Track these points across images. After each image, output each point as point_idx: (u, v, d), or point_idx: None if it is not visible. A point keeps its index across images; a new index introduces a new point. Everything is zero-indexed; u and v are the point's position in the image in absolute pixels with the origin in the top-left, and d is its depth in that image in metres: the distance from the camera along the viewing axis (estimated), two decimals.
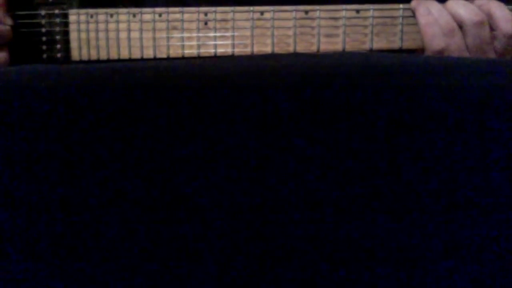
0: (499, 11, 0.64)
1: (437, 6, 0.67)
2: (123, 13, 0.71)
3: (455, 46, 0.65)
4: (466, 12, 0.65)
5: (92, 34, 0.72)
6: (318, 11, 0.69)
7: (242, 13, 0.69)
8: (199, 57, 0.71)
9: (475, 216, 0.38)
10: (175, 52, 0.71)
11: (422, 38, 0.67)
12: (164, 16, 0.70)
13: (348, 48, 0.69)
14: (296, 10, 0.69)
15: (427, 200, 0.38)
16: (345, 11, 0.68)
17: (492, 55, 0.66)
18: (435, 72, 0.41)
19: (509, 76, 0.40)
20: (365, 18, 0.68)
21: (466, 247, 0.38)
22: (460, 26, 0.65)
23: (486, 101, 0.38)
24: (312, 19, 0.69)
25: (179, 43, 0.71)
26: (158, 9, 0.71)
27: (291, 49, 0.69)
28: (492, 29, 0.65)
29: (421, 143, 0.38)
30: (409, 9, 0.68)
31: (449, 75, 0.40)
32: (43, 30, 0.73)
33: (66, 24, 0.73)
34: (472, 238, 0.38)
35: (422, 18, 0.66)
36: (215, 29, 0.70)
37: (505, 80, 0.39)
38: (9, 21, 0.71)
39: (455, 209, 0.38)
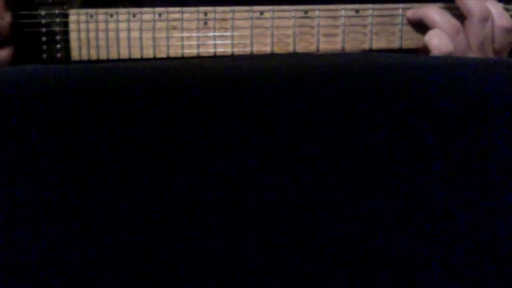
0: (493, 7, 0.66)
1: (437, 11, 0.67)
2: (123, 13, 0.71)
3: (459, 45, 0.66)
4: (476, 6, 0.65)
5: (92, 34, 0.72)
6: (318, 10, 0.69)
7: (241, 13, 0.69)
8: (198, 57, 0.71)
9: (476, 217, 0.38)
10: (174, 52, 0.71)
11: (429, 50, 0.66)
12: (163, 16, 0.70)
13: (348, 47, 0.69)
14: (296, 10, 0.69)
15: (427, 201, 0.38)
16: (344, 10, 0.68)
17: (490, 54, 0.67)
18: (435, 72, 0.41)
19: (510, 76, 0.41)
20: (365, 17, 0.68)
21: (466, 250, 0.38)
22: (463, 23, 0.66)
23: (487, 101, 0.38)
24: (312, 18, 0.69)
25: (178, 43, 0.71)
26: (157, 9, 0.71)
27: (290, 49, 0.70)
28: None
29: (422, 143, 0.38)
30: (408, 9, 0.68)
31: (449, 75, 0.40)
32: (43, 30, 0.73)
33: (66, 24, 0.73)
34: (473, 241, 0.38)
35: (429, 38, 0.66)
36: (215, 29, 0.70)
37: (506, 80, 0.40)
38: (7, 16, 0.71)
39: (456, 210, 0.38)
